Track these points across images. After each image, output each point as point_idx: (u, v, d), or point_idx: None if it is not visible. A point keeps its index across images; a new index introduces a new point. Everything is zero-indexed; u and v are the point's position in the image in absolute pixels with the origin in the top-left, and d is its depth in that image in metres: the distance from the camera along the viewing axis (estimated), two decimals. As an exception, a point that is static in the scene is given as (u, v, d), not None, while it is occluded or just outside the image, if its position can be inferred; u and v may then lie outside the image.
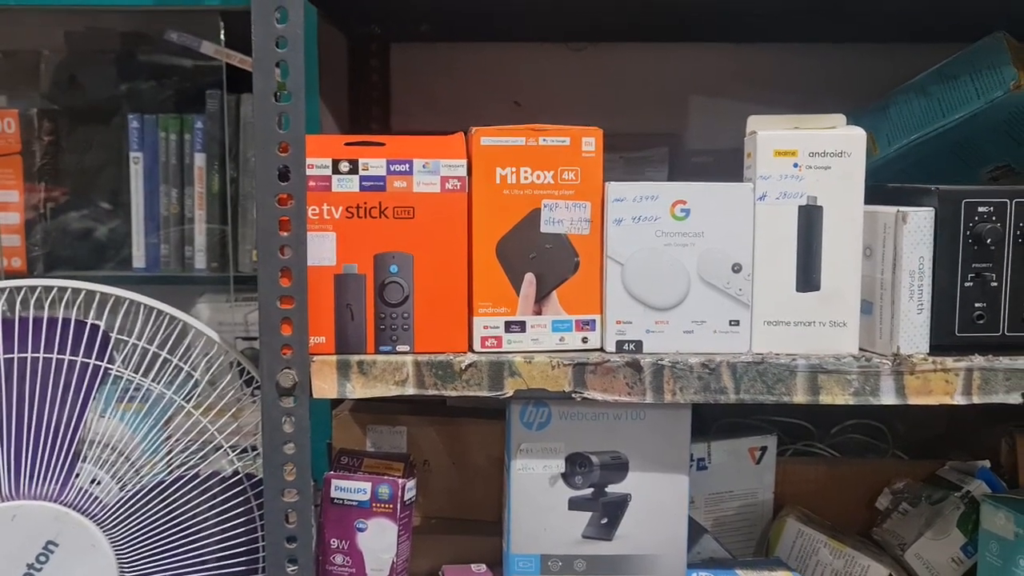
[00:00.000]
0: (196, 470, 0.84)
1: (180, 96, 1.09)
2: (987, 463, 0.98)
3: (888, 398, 0.78)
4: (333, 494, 0.83)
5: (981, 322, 0.78)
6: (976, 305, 0.78)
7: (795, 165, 0.78)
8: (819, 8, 1.04)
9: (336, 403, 1.04)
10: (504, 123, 0.79)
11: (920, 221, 0.77)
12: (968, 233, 0.77)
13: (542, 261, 0.80)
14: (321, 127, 1.08)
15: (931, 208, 0.77)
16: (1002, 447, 1.01)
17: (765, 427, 1.05)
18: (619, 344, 0.80)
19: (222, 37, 1.05)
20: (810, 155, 0.78)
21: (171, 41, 1.04)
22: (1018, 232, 0.77)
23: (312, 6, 1.01)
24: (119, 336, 0.86)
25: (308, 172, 0.77)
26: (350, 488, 0.82)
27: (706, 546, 0.93)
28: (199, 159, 1.08)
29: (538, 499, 0.83)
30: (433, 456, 0.96)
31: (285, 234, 0.77)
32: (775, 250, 0.79)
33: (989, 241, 0.77)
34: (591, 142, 0.80)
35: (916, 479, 1.02)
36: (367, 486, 0.82)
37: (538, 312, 0.80)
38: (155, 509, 0.85)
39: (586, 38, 1.20)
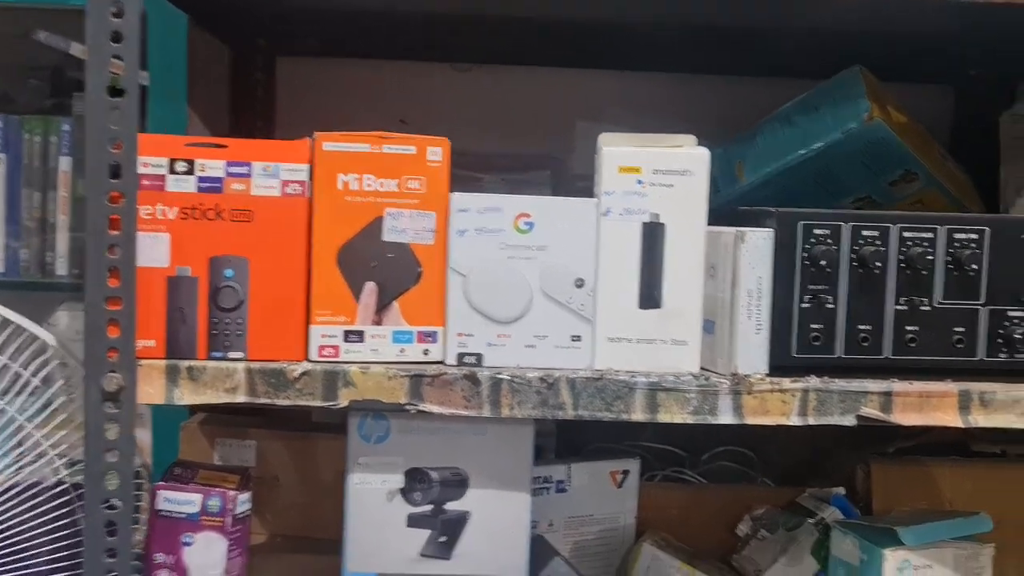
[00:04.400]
0: (17, 479, 0.81)
1: (47, 97, 1.06)
2: (842, 490, 0.98)
3: (726, 418, 0.78)
4: (160, 506, 0.80)
5: (818, 343, 0.79)
6: (813, 327, 0.79)
7: (639, 182, 0.79)
8: (700, 41, 1.06)
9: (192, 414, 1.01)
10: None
11: (758, 241, 0.77)
12: (805, 255, 0.78)
13: (384, 270, 0.78)
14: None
15: (770, 229, 0.78)
16: (857, 474, 1.01)
17: (632, 451, 1.05)
18: (460, 357, 0.79)
19: (91, 39, 1.03)
20: (654, 172, 0.79)
21: (39, 41, 1.02)
22: (853, 255, 0.78)
23: (182, 14, 0.99)
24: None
25: (142, 171, 0.76)
26: (178, 500, 0.79)
27: (556, 569, 0.92)
28: (64, 163, 1.06)
29: (376, 515, 0.81)
30: (283, 471, 0.93)
31: (115, 233, 0.74)
32: (618, 266, 0.79)
33: (824, 263, 0.77)
34: (437, 151, 0.79)
35: (777, 506, 1.02)
36: (197, 498, 0.79)
37: (378, 322, 0.78)
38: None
39: (472, 59, 1.21)
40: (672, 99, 1.22)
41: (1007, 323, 0.80)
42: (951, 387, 0.78)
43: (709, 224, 0.79)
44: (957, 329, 0.79)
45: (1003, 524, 0.91)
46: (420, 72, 1.21)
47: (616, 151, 0.79)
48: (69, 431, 0.91)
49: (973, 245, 0.79)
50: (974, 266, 0.79)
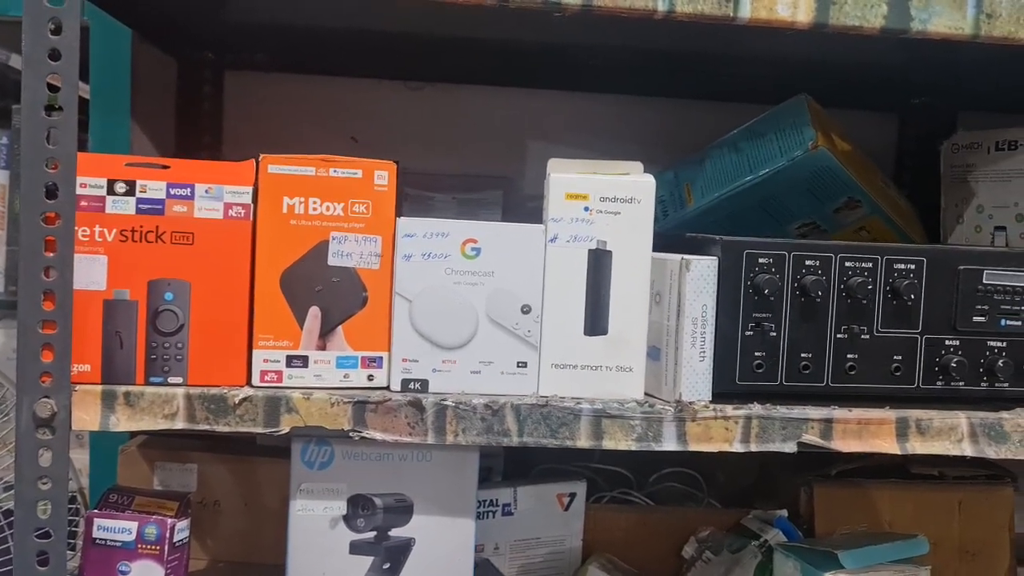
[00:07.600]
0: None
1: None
2: (785, 512, 0.99)
3: (670, 444, 0.78)
4: (95, 534, 0.78)
5: (760, 371, 0.80)
6: (756, 354, 0.79)
7: (586, 209, 0.79)
8: (650, 65, 1.07)
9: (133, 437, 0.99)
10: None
11: (703, 269, 0.78)
12: (749, 283, 0.79)
13: (328, 295, 0.77)
14: (132, 151, 1.04)
15: (715, 257, 0.79)
16: (801, 496, 1.03)
17: (580, 473, 1.05)
18: (404, 383, 0.78)
19: (31, 51, 1.00)
20: (601, 200, 0.79)
21: (-24, 52, 1.00)
22: (796, 284, 0.79)
23: (126, 27, 0.97)
24: None
25: (80, 191, 0.74)
26: (114, 528, 0.77)
27: (502, 594, 0.91)
28: (1, 176, 1.03)
29: (318, 542, 0.80)
30: (224, 496, 0.91)
31: (51, 255, 0.73)
32: (565, 293, 0.79)
33: (768, 291, 0.78)
34: (384, 175, 0.78)
35: (722, 528, 1.02)
36: (133, 526, 0.77)
37: (322, 347, 0.77)
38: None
39: (425, 78, 1.20)
40: (622, 121, 1.23)
41: (943, 351, 0.82)
42: (889, 414, 0.79)
43: (657, 248, 0.80)
44: (895, 357, 0.81)
45: (939, 546, 0.93)
46: (372, 89, 1.20)
47: (564, 178, 0.79)
48: (3, 453, 0.88)
49: (911, 275, 0.80)
50: (912, 296, 0.80)
